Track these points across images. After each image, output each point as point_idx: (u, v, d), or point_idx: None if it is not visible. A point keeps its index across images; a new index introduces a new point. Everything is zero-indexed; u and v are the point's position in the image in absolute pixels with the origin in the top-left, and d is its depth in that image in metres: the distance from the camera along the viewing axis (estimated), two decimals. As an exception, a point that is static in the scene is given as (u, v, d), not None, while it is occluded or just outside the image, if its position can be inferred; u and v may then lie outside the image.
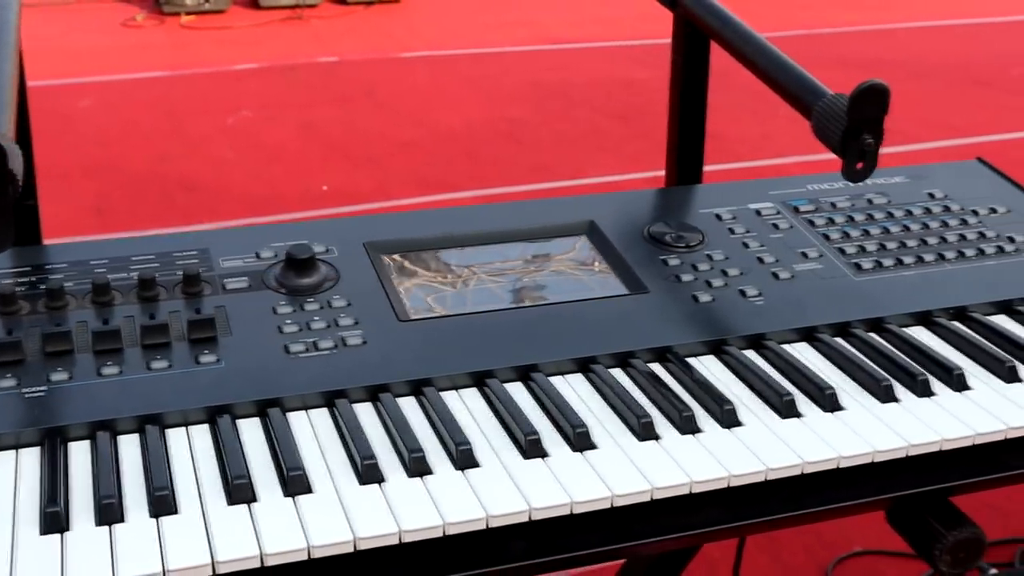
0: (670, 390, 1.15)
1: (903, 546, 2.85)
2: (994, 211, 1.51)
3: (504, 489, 1.01)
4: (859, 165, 1.22)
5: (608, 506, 1.01)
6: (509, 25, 8.00)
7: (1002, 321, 1.32)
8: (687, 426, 1.11)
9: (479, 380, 1.16)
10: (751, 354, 1.24)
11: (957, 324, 1.30)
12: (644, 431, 1.09)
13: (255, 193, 4.98)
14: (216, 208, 4.80)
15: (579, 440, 1.08)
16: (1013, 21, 8.21)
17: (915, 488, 1.13)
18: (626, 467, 1.05)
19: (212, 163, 5.34)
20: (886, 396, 1.17)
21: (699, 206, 1.46)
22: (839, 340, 1.26)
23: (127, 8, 8.26)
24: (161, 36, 7.70)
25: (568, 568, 1.03)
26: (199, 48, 7.43)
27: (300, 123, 5.87)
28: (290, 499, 0.99)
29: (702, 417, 1.13)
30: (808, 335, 1.27)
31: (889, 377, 1.19)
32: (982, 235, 1.44)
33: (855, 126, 1.20)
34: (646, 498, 1.02)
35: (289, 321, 1.21)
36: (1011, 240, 1.44)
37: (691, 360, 1.22)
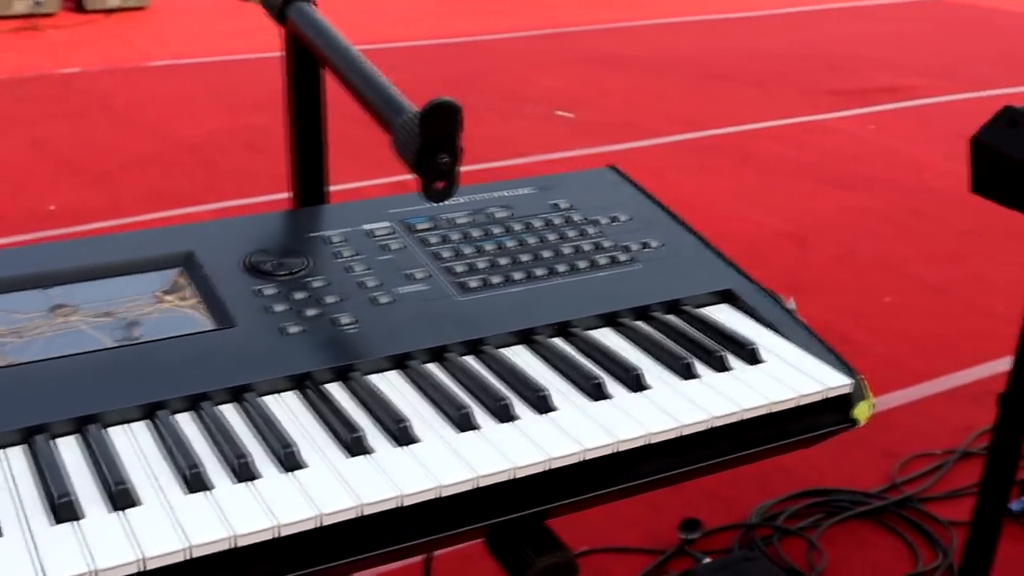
0: (230, 436, 1.09)
1: (632, 541, 2.87)
2: (616, 220, 1.49)
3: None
4: (439, 185, 1.18)
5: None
6: (255, 31, 7.79)
7: (602, 336, 1.30)
8: (244, 473, 1.04)
9: (27, 437, 1.07)
10: (336, 388, 1.18)
11: (556, 341, 1.28)
12: (194, 482, 1.03)
13: (-28, 216, 4.70)
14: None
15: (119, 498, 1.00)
16: (751, 16, 8.51)
17: (512, 514, 1.09)
18: (208, 511, 0.99)
19: (-73, 186, 5.03)
20: (464, 424, 1.13)
21: (310, 229, 1.40)
22: (430, 367, 1.22)
23: None
24: None
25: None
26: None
27: (28, 140, 5.58)
28: None
29: (261, 463, 1.07)
30: (400, 363, 1.22)
31: (469, 404, 1.15)
32: (598, 246, 1.43)
33: (429, 145, 1.15)
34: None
35: None
36: (626, 250, 1.43)
37: (270, 398, 1.16)
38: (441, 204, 1.45)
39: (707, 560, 2.81)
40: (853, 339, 3.96)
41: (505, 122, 6.02)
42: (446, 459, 1.06)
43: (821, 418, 1.23)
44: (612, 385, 1.20)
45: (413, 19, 8.20)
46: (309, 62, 1.48)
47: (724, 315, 1.35)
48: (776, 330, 1.33)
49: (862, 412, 1.23)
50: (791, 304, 4.03)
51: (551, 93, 6.54)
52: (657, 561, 2.81)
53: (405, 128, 1.17)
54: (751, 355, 1.26)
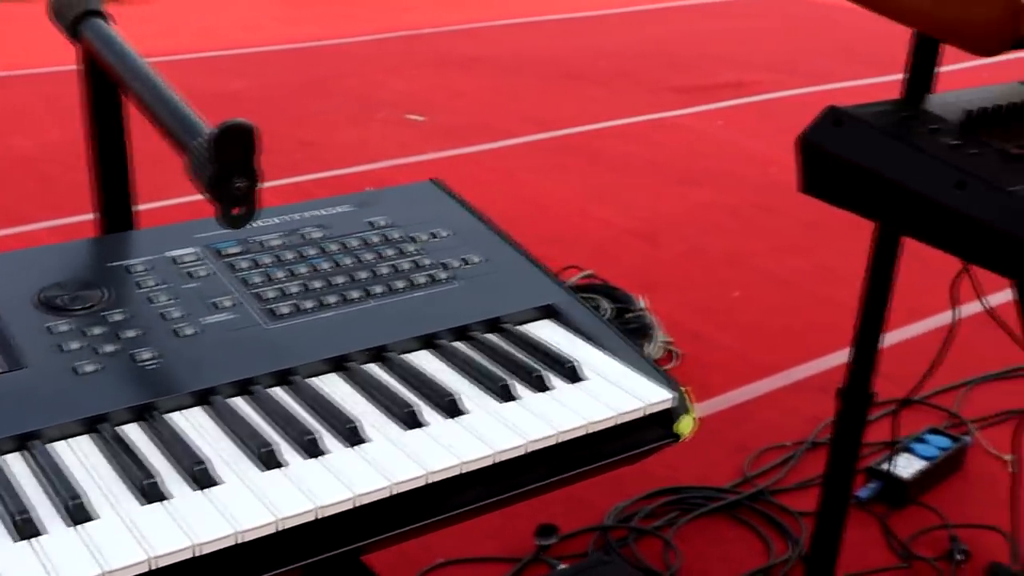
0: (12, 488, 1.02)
1: (489, 550, 2.83)
2: (436, 236, 1.45)
3: None
4: (237, 210, 1.12)
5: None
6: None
7: (419, 359, 1.26)
8: (26, 530, 0.97)
9: None
10: (133, 428, 1.11)
11: (371, 367, 1.23)
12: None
13: None
14: None
15: None
16: (599, 15, 8.58)
17: (317, 555, 1.04)
18: None
19: None
20: (268, 462, 1.08)
21: (110, 259, 1.32)
22: (236, 401, 1.16)
23: None
24: None
25: None
26: None
27: None
28: None
29: (46, 516, 1.00)
30: (204, 399, 1.16)
31: (276, 440, 1.10)
32: (417, 265, 1.39)
33: (223, 169, 1.10)
34: None
35: None
36: (446, 267, 1.39)
37: (61, 444, 1.09)
38: (252, 226, 1.39)
39: (562, 567, 2.79)
40: (703, 334, 4.00)
41: (356, 127, 5.94)
42: (247, 502, 1.01)
43: (644, 434, 1.21)
44: (427, 412, 1.16)
45: (261, 24, 8.05)
46: (107, 81, 1.40)
47: (546, 331, 1.32)
48: (599, 344, 1.30)
49: (685, 426, 1.21)
50: (642, 303, 4.04)
51: (403, 96, 6.48)
52: (514, 570, 2.79)
53: (198, 152, 1.10)
54: (571, 373, 1.23)
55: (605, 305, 3.86)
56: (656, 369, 1.25)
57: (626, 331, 3.76)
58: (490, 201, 4.96)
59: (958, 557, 2.92)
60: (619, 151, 5.78)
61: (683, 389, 1.25)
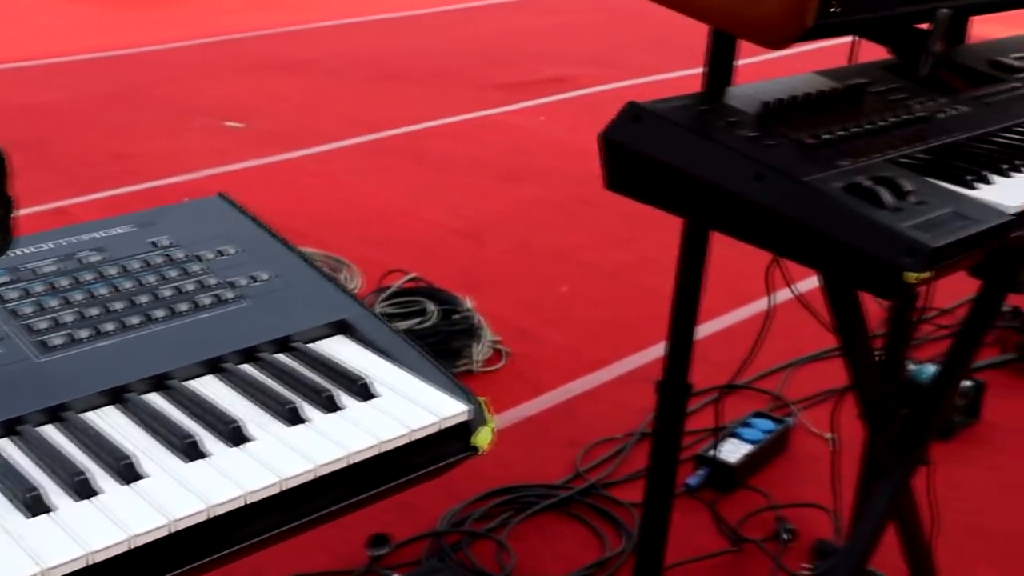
0: None
1: (320, 564, 2.75)
2: (223, 254, 1.39)
3: None
4: (-9, 239, 1.05)
5: None
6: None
7: (204, 385, 1.20)
8: None
9: None
10: None
11: (151, 397, 1.17)
12: None
13: None
14: None
15: None
16: (419, 14, 8.53)
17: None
18: None
19: None
20: (35, 508, 1.00)
21: None
22: (3, 443, 1.09)
23: None
24: None
25: None
26: None
27: None
28: None
29: None
30: (-34, 442, 1.08)
31: (42, 484, 1.03)
32: (202, 285, 1.32)
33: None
34: None
35: None
36: (234, 286, 1.33)
37: None
38: (23, 253, 1.31)
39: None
40: (532, 331, 4.00)
41: (173, 136, 5.77)
42: (8, 551, 0.94)
43: (441, 449, 1.18)
44: (210, 441, 1.10)
45: (71, 32, 7.75)
46: None
47: (338, 348, 1.28)
48: (393, 358, 1.26)
49: (483, 438, 1.18)
50: (469, 303, 4.01)
51: (222, 103, 6.32)
52: (346, 583, 2.74)
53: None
54: (363, 390, 1.19)
55: (431, 308, 3.83)
56: (453, 381, 1.22)
57: (453, 333, 3.75)
58: (314, 206, 4.90)
59: (785, 537, 2.99)
60: (443, 150, 5.75)
61: (481, 400, 1.22)
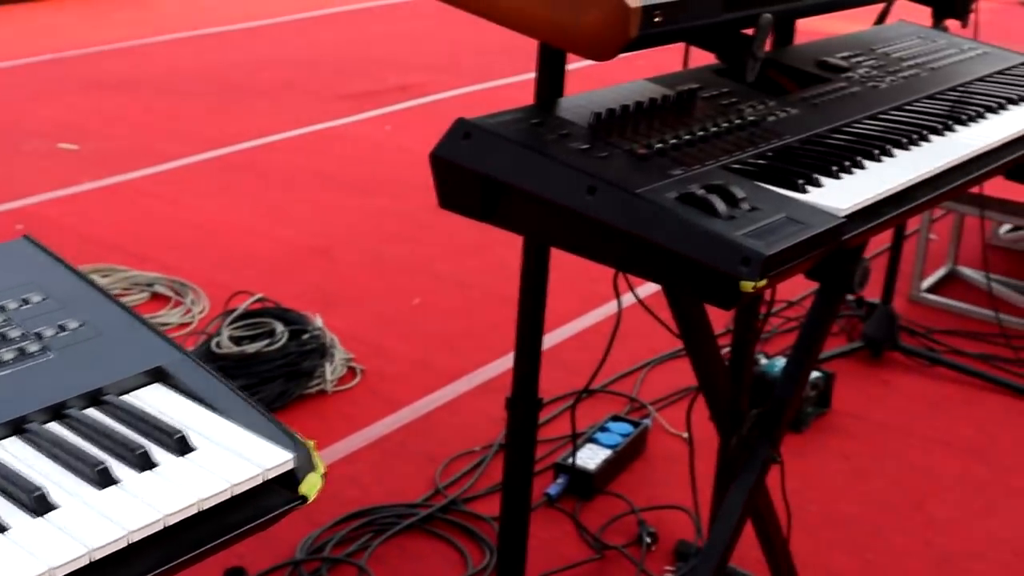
0: None
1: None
2: (27, 302, 1.30)
3: None
4: None
5: None
6: None
7: (6, 449, 1.11)
8: None
9: None
10: None
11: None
12: None
13: None
14: None
15: None
16: (262, 25, 8.37)
17: None
18: None
19: None
20: None
21: None
22: None
23: None
24: None
25: None
26: None
27: None
28: None
29: None
30: None
31: None
32: (3, 338, 1.23)
33: None
34: None
35: None
36: (39, 337, 1.24)
37: None
38: None
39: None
40: (386, 347, 3.94)
41: (3, 161, 5.54)
42: None
43: (267, 501, 1.12)
44: (10, 513, 1.02)
45: None
46: None
47: (155, 398, 1.20)
48: (214, 407, 1.20)
49: (311, 486, 1.12)
50: (319, 321, 3.92)
51: (54, 125, 6.10)
52: (200, 624, 2.63)
53: None
54: (180, 444, 1.12)
55: (280, 329, 3.73)
56: (279, 427, 1.16)
57: (304, 353, 3.66)
58: (156, 229, 4.75)
59: (647, 540, 2.99)
60: (288, 165, 5.64)
61: (308, 444, 1.16)
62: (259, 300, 4.01)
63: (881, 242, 4.28)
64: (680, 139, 1.80)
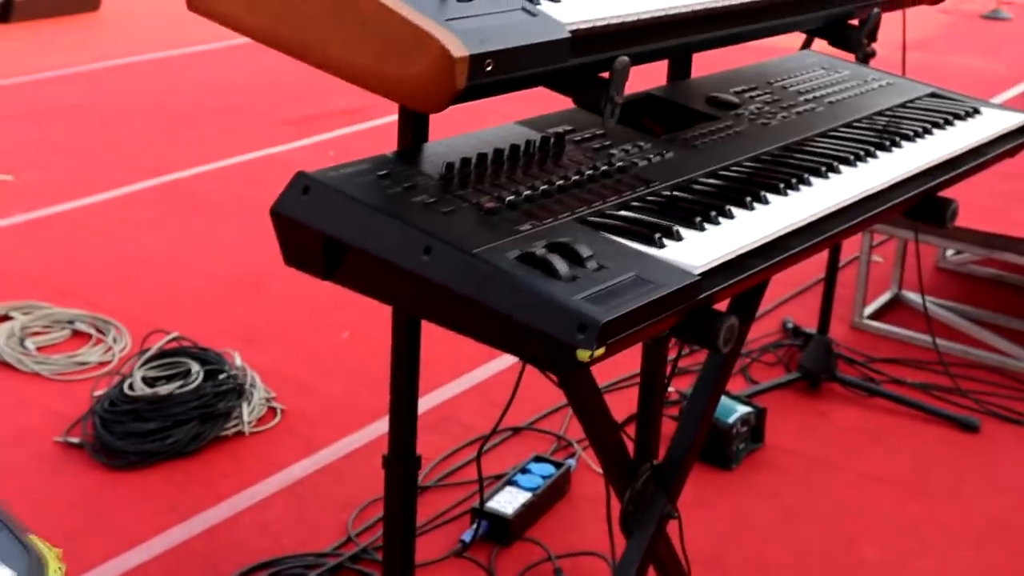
0: None
1: None
2: None
3: None
4: None
5: None
6: None
7: None
8: None
9: None
10: None
11: None
12: None
13: None
14: None
15: None
16: (206, 50, 8.26)
17: None
18: None
19: None
20: None
21: None
22: None
23: None
24: None
25: None
26: None
27: None
28: None
29: None
30: None
31: None
32: None
33: None
34: None
35: None
36: None
37: None
38: None
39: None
40: (310, 384, 3.84)
41: None
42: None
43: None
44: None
45: None
46: None
47: None
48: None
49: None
50: (238, 359, 3.79)
51: (-8, 153, 5.99)
52: None
53: None
54: None
55: (195, 369, 3.62)
56: (18, 539, 1.04)
57: (220, 394, 3.54)
58: (84, 262, 4.63)
59: (561, 590, 2.89)
60: (225, 194, 5.54)
61: (49, 555, 1.04)
62: (175, 339, 3.89)
63: (818, 269, 4.19)
64: (536, 190, 1.69)
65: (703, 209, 1.71)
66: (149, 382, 3.61)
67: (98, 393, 3.66)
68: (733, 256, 1.62)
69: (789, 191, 1.84)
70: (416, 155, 1.80)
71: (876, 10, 2.14)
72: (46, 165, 5.83)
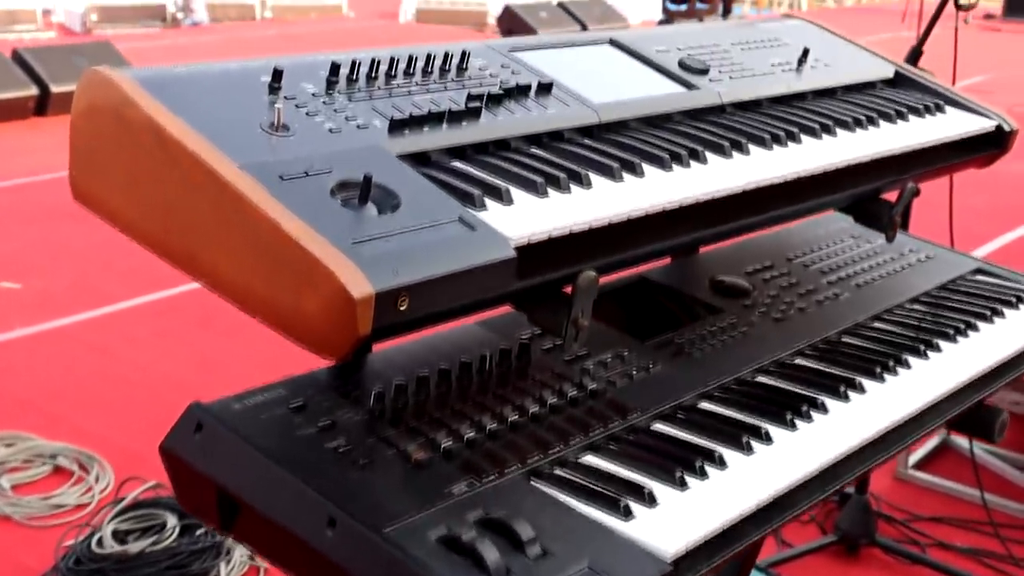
0: None
1: None
2: None
3: None
4: None
5: None
6: None
7: None
8: None
9: None
10: None
11: None
12: None
13: None
14: None
15: None
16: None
17: None
18: None
19: None
20: None
21: None
22: None
23: None
24: None
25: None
26: None
27: None
28: None
29: None
30: None
31: None
32: None
33: None
34: None
35: None
36: None
37: None
38: None
39: None
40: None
41: None
42: None
43: None
44: None
45: None
46: None
47: None
48: None
49: None
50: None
51: (1, 258, 5.79)
52: None
53: None
54: None
55: (171, 523, 3.31)
56: None
57: (195, 552, 3.22)
58: (78, 384, 4.35)
59: None
60: (236, 310, 5.26)
61: None
62: (153, 487, 3.59)
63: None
64: (482, 431, 1.38)
65: (685, 457, 1.38)
66: (120, 536, 3.31)
67: (67, 544, 3.36)
68: (721, 528, 1.29)
69: (799, 422, 1.51)
70: (349, 373, 1.50)
71: (912, 185, 1.82)
72: (52, 272, 5.62)
